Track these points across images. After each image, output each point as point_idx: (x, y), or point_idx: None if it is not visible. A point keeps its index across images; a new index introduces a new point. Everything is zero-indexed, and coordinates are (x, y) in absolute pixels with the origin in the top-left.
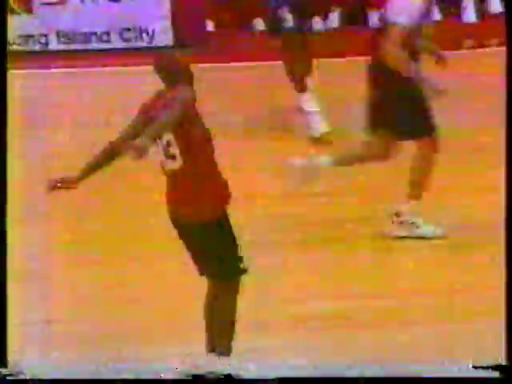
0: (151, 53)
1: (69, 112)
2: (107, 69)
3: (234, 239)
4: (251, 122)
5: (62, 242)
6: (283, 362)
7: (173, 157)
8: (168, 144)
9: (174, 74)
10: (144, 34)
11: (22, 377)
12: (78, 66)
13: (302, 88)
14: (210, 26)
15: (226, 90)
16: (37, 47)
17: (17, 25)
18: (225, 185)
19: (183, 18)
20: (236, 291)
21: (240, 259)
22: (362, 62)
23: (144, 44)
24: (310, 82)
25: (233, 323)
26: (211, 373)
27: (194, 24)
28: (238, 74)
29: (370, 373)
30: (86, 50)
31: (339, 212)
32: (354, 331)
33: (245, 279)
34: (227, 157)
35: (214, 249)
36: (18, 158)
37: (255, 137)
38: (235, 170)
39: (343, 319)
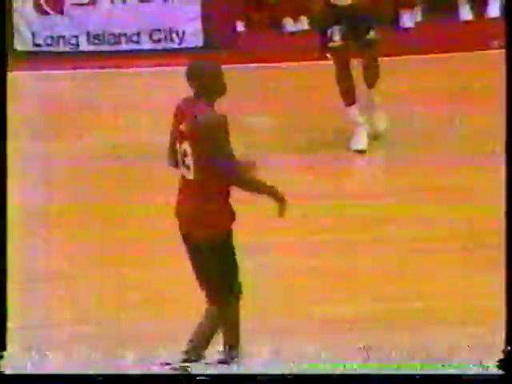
0: (181, 54)
1: (99, 113)
2: (137, 70)
3: (234, 261)
4: (283, 124)
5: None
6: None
7: (188, 167)
8: (185, 153)
9: (205, 86)
10: (174, 35)
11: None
12: (107, 67)
13: (350, 101)
14: (239, 26)
15: (256, 91)
16: (67, 48)
17: (47, 25)
18: (230, 205)
19: (213, 19)
20: (233, 314)
21: (236, 285)
22: (396, 62)
23: (174, 45)
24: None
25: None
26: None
27: (224, 25)
28: (269, 75)
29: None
30: (116, 52)
31: (373, 213)
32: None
33: (273, 280)
34: (258, 158)
35: (213, 272)
36: (45, 159)
37: (286, 137)
38: (267, 168)
39: (374, 322)
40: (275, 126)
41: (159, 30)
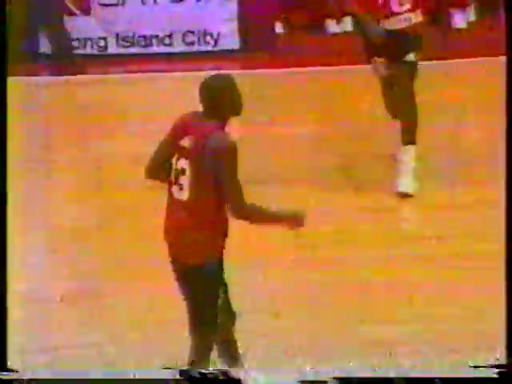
0: (216, 57)
1: (127, 120)
2: (168, 74)
3: (222, 289)
4: (325, 132)
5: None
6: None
7: (181, 186)
8: (182, 171)
9: (218, 104)
10: (208, 37)
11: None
12: (138, 70)
13: (410, 140)
14: (278, 27)
15: (296, 96)
16: (95, 51)
17: (73, 27)
18: (226, 225)
19: (250, 20)
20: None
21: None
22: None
23: (208, 48)
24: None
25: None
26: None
27: (261, 26)
28: (310, 80)
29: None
30: (147, 54)
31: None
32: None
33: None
34: (295, 166)
35: (199, 298)
36: (72, 167)
37: (324, 148)
38: (308, 179)
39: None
40: (317, 135)
41: (192, 32)
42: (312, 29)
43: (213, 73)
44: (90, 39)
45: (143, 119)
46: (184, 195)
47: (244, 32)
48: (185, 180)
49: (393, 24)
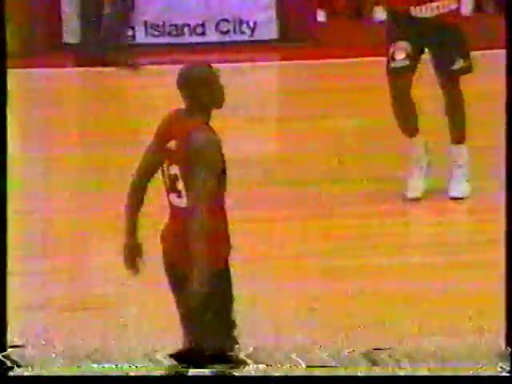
0: (253, 48)
1: (157, 115)
2: None
3: (231, 294)
4: (372, 127)
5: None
6: None
7: (179, 193)
8: (176, 177)
9: (199, 97)
10: (244, 26)
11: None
12: (168, 62)
13: (412, 132)
14: (320, 15)
15: (341, 89)
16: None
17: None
18: (227, 235)
19: (290, 7)
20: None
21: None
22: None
23: (244, 37)
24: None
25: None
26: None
27: (302, 14)
28: (355, 72)
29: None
30: (178, 45)
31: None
32: None
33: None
34: (333, 163)
35: (207, 306)
36: (94, 161)
37: (370, 143)
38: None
39: None
40: (364, 129)
41: (227, 21)
42: (358, 17)
43: (250, 64)
44: None
45: None
46: (182, 202)
47: (283, 20)
48: (180, 186)
49: (422, 12)
